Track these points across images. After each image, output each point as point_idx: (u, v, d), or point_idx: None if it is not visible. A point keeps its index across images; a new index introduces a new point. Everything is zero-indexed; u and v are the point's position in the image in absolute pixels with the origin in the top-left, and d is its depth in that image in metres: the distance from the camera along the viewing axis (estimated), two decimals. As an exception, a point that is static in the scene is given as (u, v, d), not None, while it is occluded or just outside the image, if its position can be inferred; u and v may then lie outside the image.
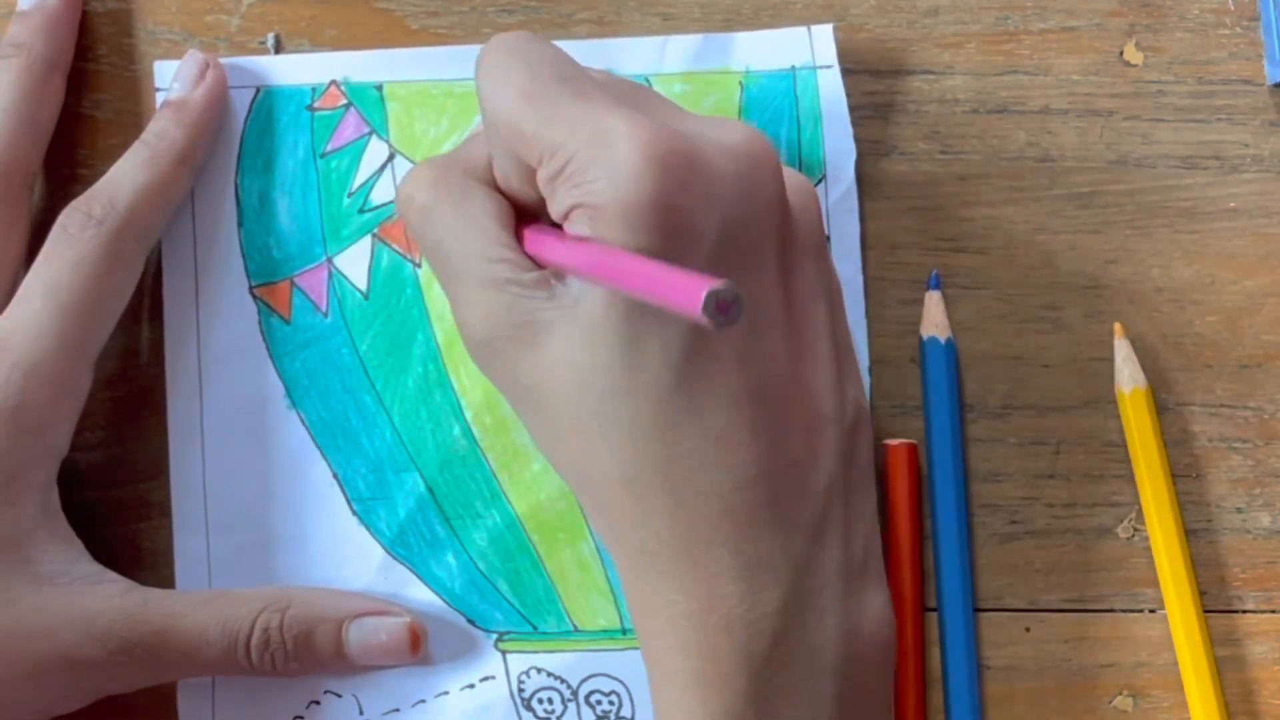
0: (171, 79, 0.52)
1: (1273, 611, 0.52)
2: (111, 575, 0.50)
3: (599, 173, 0.43)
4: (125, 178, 0.51)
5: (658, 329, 0.43)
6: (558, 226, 0.45)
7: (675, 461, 0.44)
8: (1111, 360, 0.52)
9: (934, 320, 0.52)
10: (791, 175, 0.47)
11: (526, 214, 0.47)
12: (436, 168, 0.47)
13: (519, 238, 0.46)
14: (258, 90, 0.53)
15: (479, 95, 0.46)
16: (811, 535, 0.46)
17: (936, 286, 0.52)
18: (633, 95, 0.47)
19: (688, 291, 0.38)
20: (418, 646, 0.51)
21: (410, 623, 0.51)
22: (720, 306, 0.37)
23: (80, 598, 0.49)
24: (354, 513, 0.53)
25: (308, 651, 0.50)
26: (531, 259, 0.46)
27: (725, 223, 0.44)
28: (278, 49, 0.54)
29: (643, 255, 0.42)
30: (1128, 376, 0.52)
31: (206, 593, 0.51)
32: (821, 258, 0.47)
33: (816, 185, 0.52)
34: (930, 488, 0.52)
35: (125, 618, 0.49)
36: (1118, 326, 0.52)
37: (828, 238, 0.52)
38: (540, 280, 0.45)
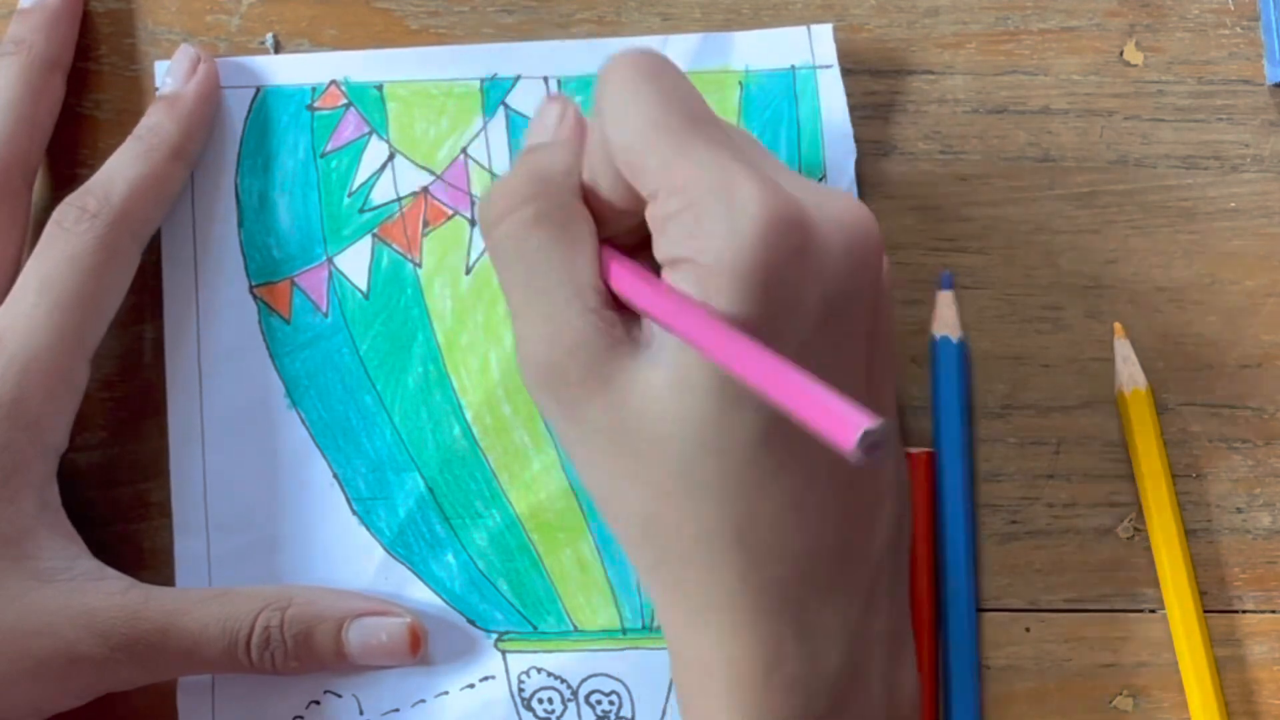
0: (164, 74, 0.52)
1: (1273, 611, 0.52)
2: (112, 572, 0.50)
3: (717, 229, 0.42)
4: (119, 172, 0.51)
5: (750, 394, 0.42)
6: (639, 257, 0.44)
7: (755, 521, 0.44)
8: (1111, 360, 0.52)
9: (946, 320, 0.52)
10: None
11: (603, 234, 0.46)
12: (533, 179, 0.46)
13: (603, 265, 0.45)
14: (258, 90, 0.53)
15: (600, 109, 0.45)
16: (865, 602, 0.46)
17: (949, 286, 0.52)
18: (750, 148, 0.46)
19: (841, 422, 0.37)
20: (418, 647, 0.51)
21: (410, 623, 0.51)
22: (871, 446, 0.37)
23: (81, 594, 0.49)
24: (354, 512, 0.53)
25: (308, 651, 0.50)
26: (603, 291, 0.45)
27: (828, 299, 0.43)
28: (277, 50, 0.54)
29: (745, 330, 0.41)
30: (1128, 376, 0.52)
31: (207, 591, 0.51)
32: (892, 335, 0.47)
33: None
34: (938, 487, 0.52)
35: (126, 615, 0.49)
36: (1118, 326, 0.52)
37: None
38: (627, 319, 0.44)
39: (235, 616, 0.50)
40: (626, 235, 0.46)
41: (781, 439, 0.43)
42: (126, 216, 0.50)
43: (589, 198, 0.46)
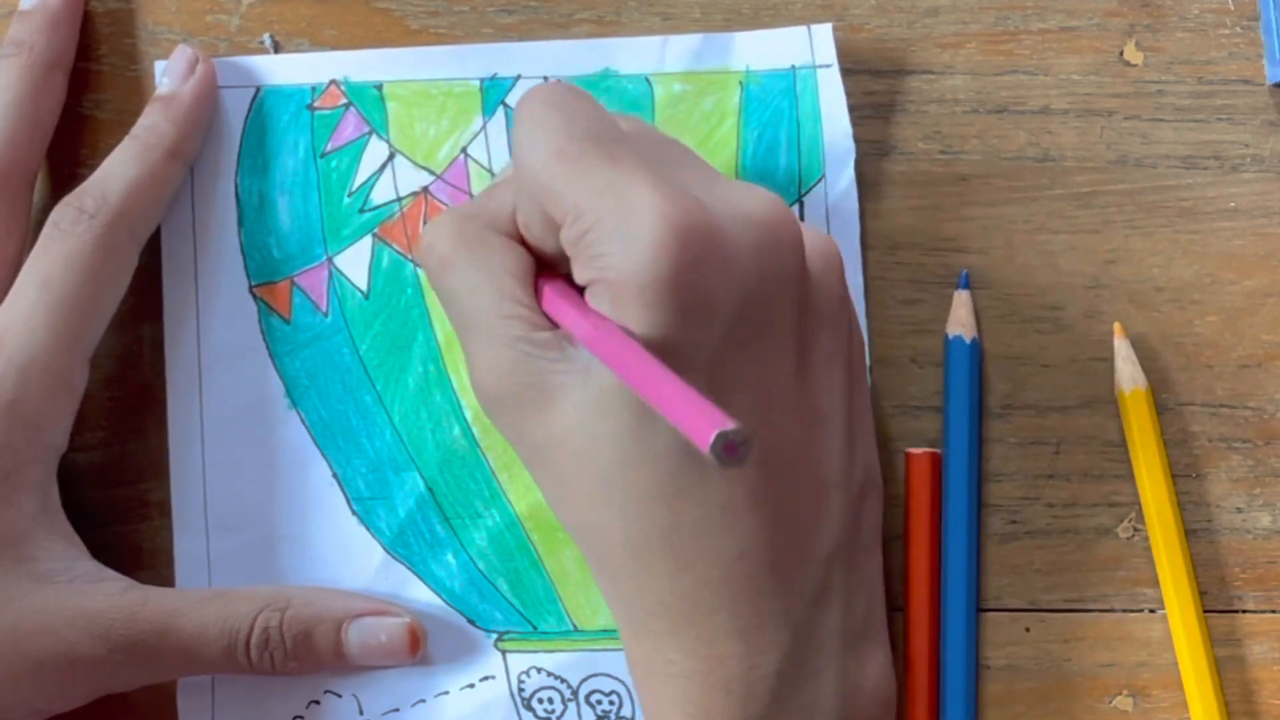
0: (160, 74, 0.52)
1: (1273, 611, 0.52)
2: (111, 573, 0.50)
3: (616, 246, 0.43)
4: (116, 172, 0.51)
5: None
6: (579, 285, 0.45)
7: (680, 528, 0.44)
8: (1111, 360, 0.52)
9: (960, 319, 0.52)
10: (814, 237, 0.47)
11: (547, 264, 0.46)
12: (457, 219, 0.47)
13: (538, 291, 0.46)
14: (257, 90, 0.53)
15: (514, 143, 0.46)
16: (812, 600, 0.46)
17: (966, 286, 0.52)
18: (662, 155, 0.46)
19: (700, 423, 0.38)
20: (417, 647, 0.51)
21: (410, 623, 0.51)
22: (728, 448, 0.38)
23: (80, 596, 0.49)
24: (354, 512, 0.53)
25: (307, 651, 0.50)
26: (533, 314, 0.45)
27: (742, 298, 0.43)
28: (275, 50, 0.54)
29: (658, 339, 0.42)
30: (1128, 376, 0.52)
31: (206, 591, 0.51)
32: (840, 323, 0.47)
33: (816, 185, 0.52)
34: (944, 486, 0.52)
35: (125, 616, 0.49)
36: (1118, 326, 0.52)
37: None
38: (553, 341, 0.45)
39: (234, 617, 0.50)
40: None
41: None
42: (124, 216, 0.50)
43: (528, 237, 0.46)
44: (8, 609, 0.48)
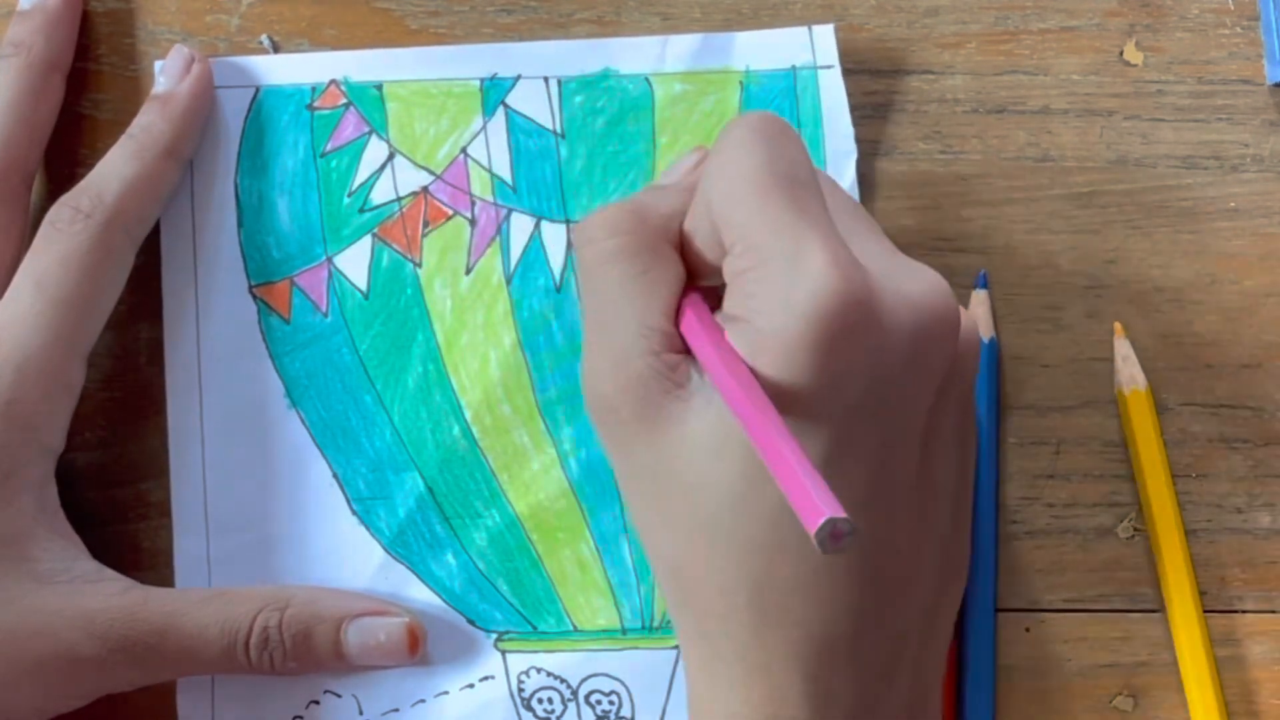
0: (158, 74, 0.52)
1: (1273, 611, 0.52)
2: (110, 573, 0.50)
3: (776, 294, 0.42)
4: (112, 171, 0.51)
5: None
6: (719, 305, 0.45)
7: (773, 582, 0.44)
8: (1111, 360, 0.52)
9: (978, 319, 0.52)
10: (965, 322, 0.46)
11: (695, 278, 0.46)
12: (629, 215, 0.46)
13: (679, 309, 0.45)
14: (257, 90, 0.53)
15: (712, 157, 0.45)
16: (881, 674, 0.45)
17: (984, 286, 0.52)
18: (845, 216, 0.46)
19: (811, 503, 0.38)
20: (416, 647, 0.51)
21: (409, 623, 0.51)
22: (834, 535, 0.38)
23: (80, 596, 0.49)
24: (354, 512, 0.53)
25: (306, 651, 0.50)
26: (670, 335, 0.45)
27: (884, 375, 0.43)
28: (274, 50, 0.54)
29: (788, 396, 0.42)
30: (1128, 376, 0.52)
31: (206, 591, 0.51)
32: (968, 411, 0.47)
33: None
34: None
35: (125, 616, 0.49)
36: (1118, 326, 0.52)
37: None
38: (682, 366, 0.44)
39: (234, 617, 0.50)
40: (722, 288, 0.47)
41: None
42: (120, 216, 0.50)
43: (686, 246, 0.46)
44: (8, 609, 0.48)
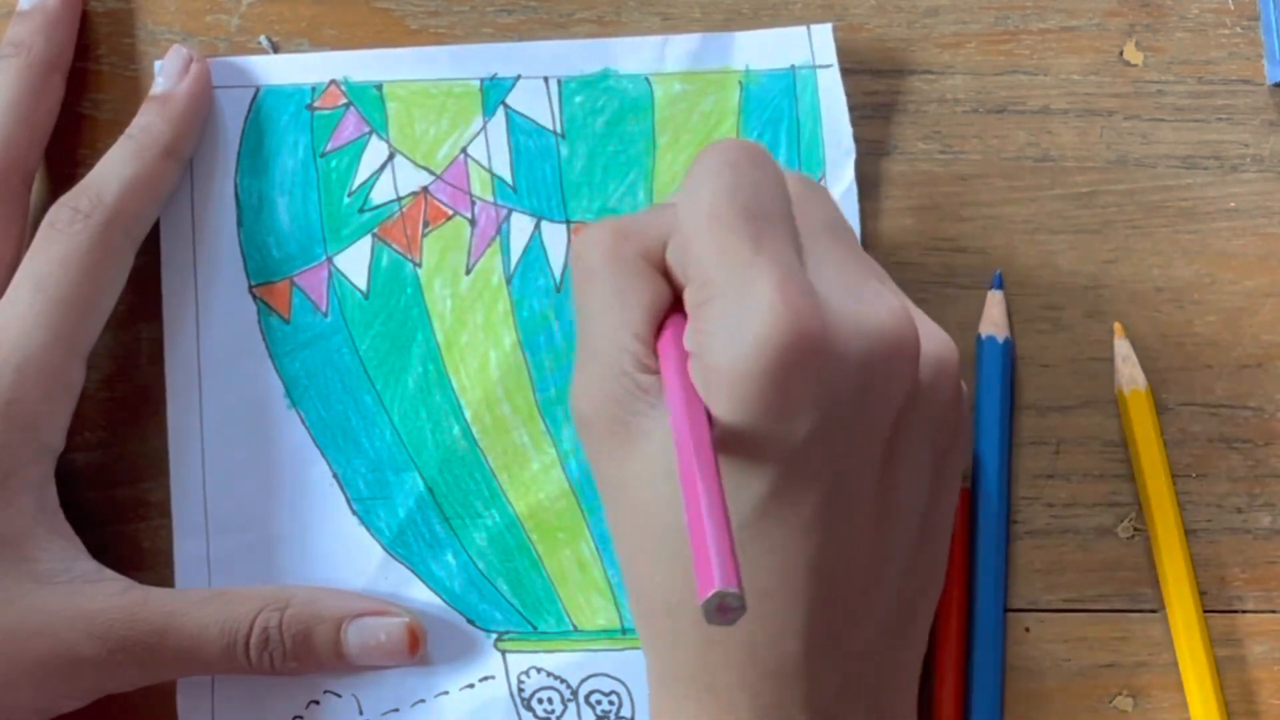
0: (157, 74, 0.52)
1: (1273, 611, 0.52)
2: (110, 573, 0.50)
3: (723, 330, 0.42)
4: (111, 172, 0.51)
5: (740, 483, 0.43)
6: None
7: None
8: (1111, 360, 0.52)
9: (994, 319, 0.52)
10: (933, 343, 0.46)
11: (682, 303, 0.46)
12: (614, 234, 0.46)
13: (660, 329, 0.45)
14: (257, 90, 0.53)
15: (683, 186, 0.45)
16: (838, 694, 0.45)
17: (1000, 286, 0.52)
18: (819, 239, 0.45)
19: (707, 569, 0.38)
20: (416, 647, 0.51)
21: (409, 623, 0.51)
22: (721, 609, 0.38)
23: (80, 596, 0.49)
24: (354, 512, 0.53)
25: (306, 651, 0.50)
26: (654, 353, 0.45)
27: (835, 407, 0.43)
28: (273, 51, 0.54)
29: (735, 429, 0.42)
30: (1127, 376, 0.52)
31: (206, 591, 0.51)
32: (941, 429, 0.46)
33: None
34: (977, 490, 0.51)
35: (125, 616, 0.49)
36: (1118, 326, 0.52)
37: None
38: (654, 386, 0.45)
39: (234, 617, 0.50)
40: None
41: (761, 535, 0.43)
42: (120, 215, 0.50)
43: (671, 273, 0.46)
44: (7, 609, 0.48)
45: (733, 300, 0.43)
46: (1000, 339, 0.52)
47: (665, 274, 0.46)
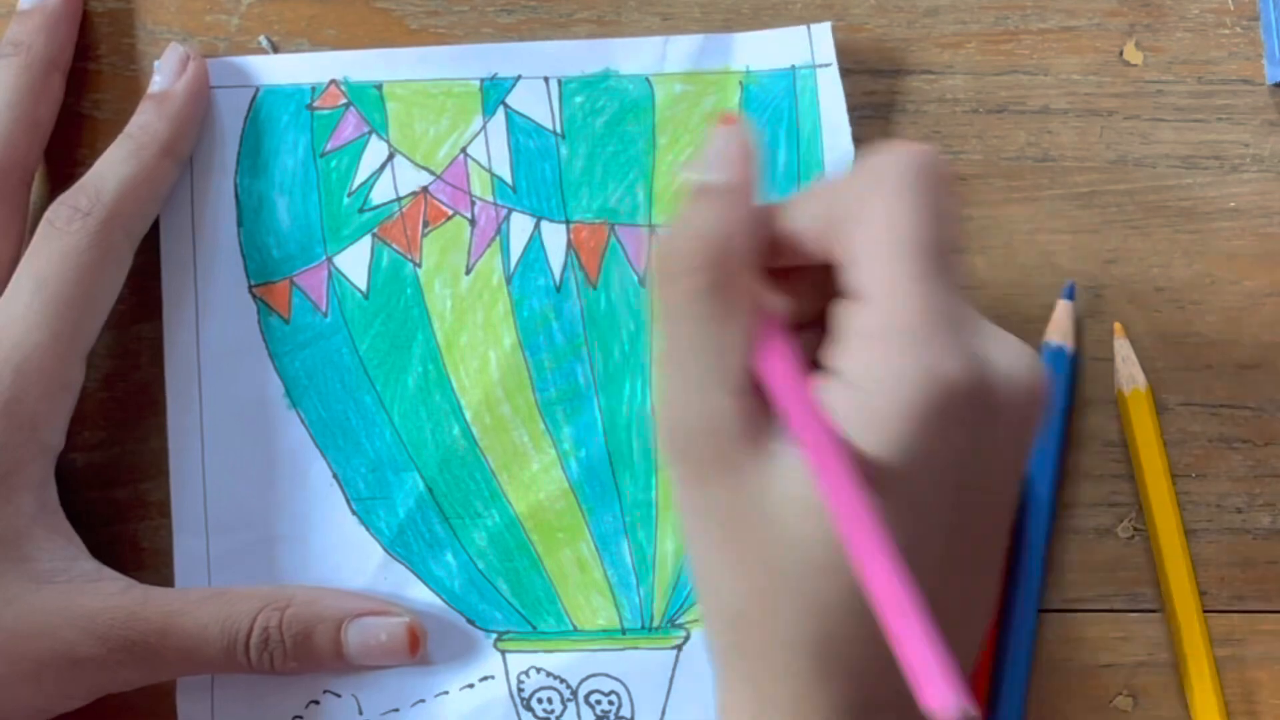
0: (154, 72, 0.53)
1: (1273, 611, 0.52)
2: (110, 573, 0.50)
3: (899, 370, 0.41)
4: (110, 170, 0.51)
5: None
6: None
7: (839, 641, 0.42)
8: (1111, 360, 0.52)
9: (1061, 328, 0.52)
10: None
11: (775, 257, 0.45)
12: (704, 247, 0.43)
13: (760, 347, 0.43)
14: (257, 90, 0.53)
15: (869, 192, 0.43)
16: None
17: (1071, 297, 0.52)
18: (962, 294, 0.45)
19: (932, 684, 0.37)
20: (417, 647, 0.51)
21: (409, 623, 0.51)
22: None
23: (80, 595, 0.49)
24: (353, 512, 0.53)
25: (306, 651, 0.50)
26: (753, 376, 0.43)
27: (981, 462, 0.42)
28: (273, 51, 0.54)
29: (877, 469, 0.41)
30: (1127, 376, 0.52)
31: (206, 591, 0.51)
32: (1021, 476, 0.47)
33: (817, 185, 0.52)
34: (1027, 485, 0.51)
35: (125, 615, 0.49)
36: (1118, 326, 0.52)
37: None
38: (760, 406, 0.43)
39: (234, 616, 0.50)
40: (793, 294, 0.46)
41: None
42: (118, 214, 0.50)
43: (785, 246, 0.44)
44: (8, 609, 0.48)
45: (914, 344, 0.41)
46: (1069, 349, 0.52)
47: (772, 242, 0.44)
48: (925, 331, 0.41)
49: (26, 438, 0.49)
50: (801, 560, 0.42)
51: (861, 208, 0.43)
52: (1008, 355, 0.43)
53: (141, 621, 0.49)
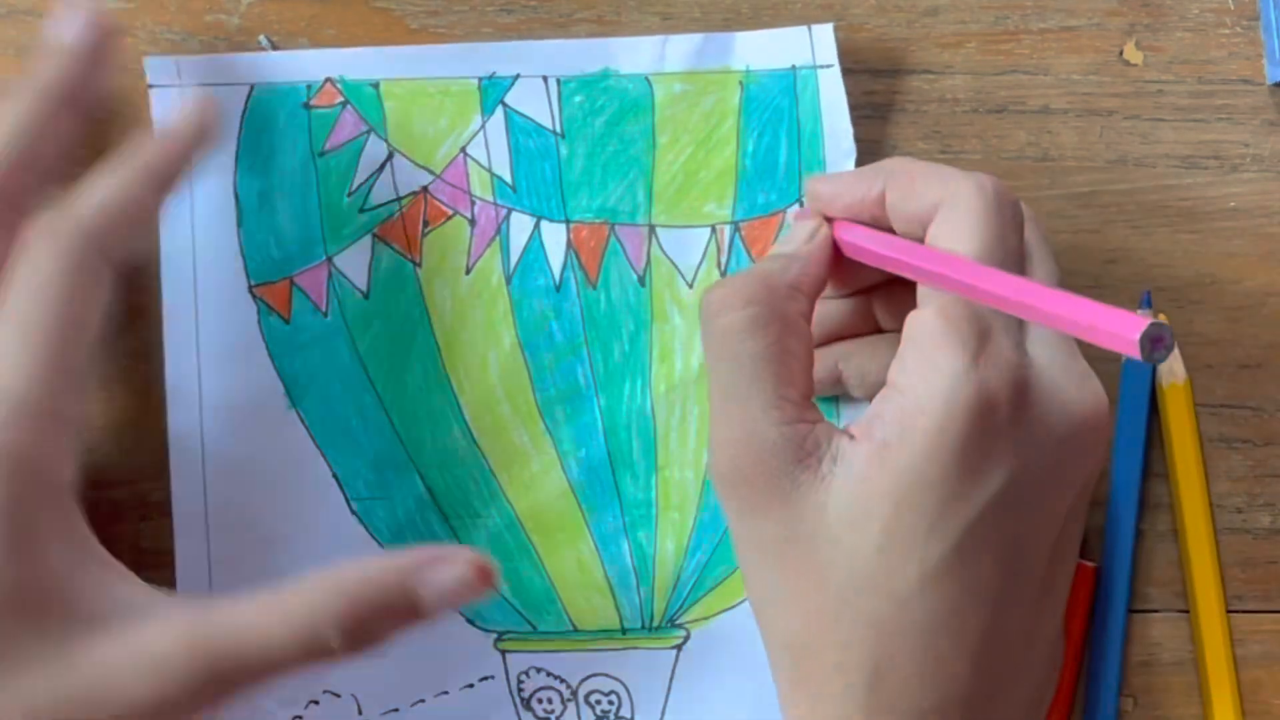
0: (151, 73, 0.52)
1: (1273, 611, 0.52)
2: (161, 596, 0.46)
3: (937, 380, 0.43)
4: (94, 196, 0.48)
5: (925, 535, 0.43)
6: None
7: (894, 667, 0.44)
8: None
9: None
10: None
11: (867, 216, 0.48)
12: (759, 284, 0.46)
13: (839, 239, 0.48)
14: (250, 88, 0.53)
15: (949, 209, 0.46)
16: None
17: (1149, 305, 0.52)
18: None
19: (1118, 327, 0.38)
20: (489, 578, 0.45)
21: (472, 559, 0.45)
22: (1154, 339, 0.37)
23: (140, 636, 0.44)
24: (353, 512, 0.53)
25: (383, 626, 0.45)
26: (800, 406, 0.45)
27: (1025, 477, 0.43)
28: (273, 50, 0.54)
29: (921, 479, 0.43)
30: (1166, 370, 0.52)
31: (265, 596, 0.46)
32: (1081, 519, 0.47)
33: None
34: (1111, 490, 0.51)
35: (191, 649, 0.44)
36: (1162, 317, 0.52)
37: None
38: (810, 435, 0.44)
39: (299, 613, 0.44)
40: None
41: (938, 595, 0.43)
42: (98, 241, 0.47)
43: (875, 201, 0.47)
44: (66, 677, 0.43)
45: (960, 350, 0.43)
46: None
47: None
48: (972, 341, 0.43)
49: (33, 487, 0.45)
50: (855, 574, 0.43)
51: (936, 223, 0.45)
52: (1064, 376, 0.44)
53: (213, 650, 0.44)
